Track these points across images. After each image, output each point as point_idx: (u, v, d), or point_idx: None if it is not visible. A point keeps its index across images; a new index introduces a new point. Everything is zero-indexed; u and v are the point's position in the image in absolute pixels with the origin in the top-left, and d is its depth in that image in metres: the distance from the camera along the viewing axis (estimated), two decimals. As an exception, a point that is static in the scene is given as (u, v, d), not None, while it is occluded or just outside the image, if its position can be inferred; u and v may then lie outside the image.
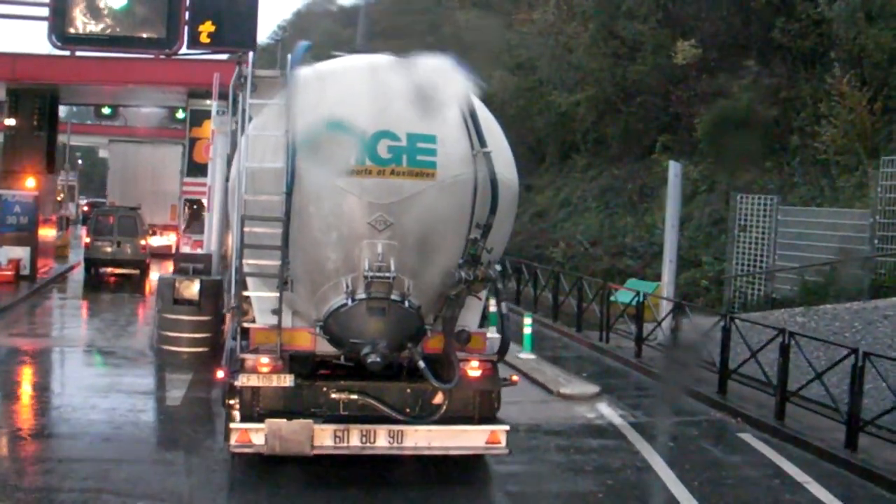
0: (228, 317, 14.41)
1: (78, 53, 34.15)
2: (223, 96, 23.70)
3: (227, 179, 17.33)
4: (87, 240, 39.61)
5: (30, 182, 34.05)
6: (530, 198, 47.39)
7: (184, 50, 35.14)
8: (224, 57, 35.41)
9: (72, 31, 32.90)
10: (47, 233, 37.87)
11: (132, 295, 34.85)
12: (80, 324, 29.32)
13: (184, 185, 35.75)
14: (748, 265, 27.91)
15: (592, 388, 20.30)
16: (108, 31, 33.22)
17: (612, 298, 26.76)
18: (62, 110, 44.75)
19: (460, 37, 59.04)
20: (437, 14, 66.06)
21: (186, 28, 33.04)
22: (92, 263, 39.54)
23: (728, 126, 33.74)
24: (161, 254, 41.40)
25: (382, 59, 12.93)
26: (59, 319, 29.57)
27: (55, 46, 33.40)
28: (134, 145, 48.97)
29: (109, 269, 39.90)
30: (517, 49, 49.47)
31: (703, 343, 20.90)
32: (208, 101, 26.19)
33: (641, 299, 24.39)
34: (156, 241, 42.75)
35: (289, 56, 12.65)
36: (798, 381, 17.85)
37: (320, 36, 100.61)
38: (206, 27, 33.18)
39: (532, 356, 23.21)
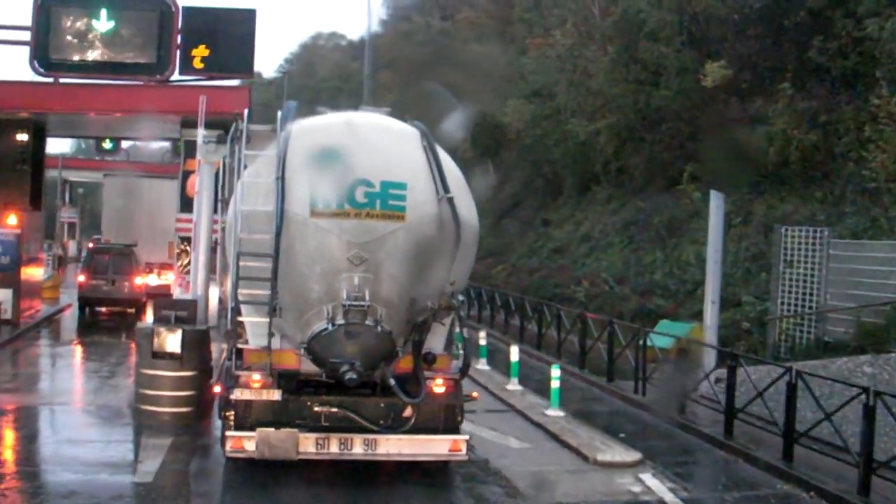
0: (216, 373, 16.49)
1: (62, 80, 31.25)
2: (212, 125, 22.44)
3: (214, 212, 19.85)
4: (82, 278, 37.36)
5: (11, 219, 31.17)
6: (548, 233, 44.83)
7: (176, 77, 32.25)
8: (221, 83, 32.60)
9: (55, 56, 30.06)
10: (33, 273, 35.28)
11: (123, 340, 31.79)
12: (57, 375, 26.34)
13: (177, 222, 32.63)
14: (795, 305, 24.97)
15: (634, 455, 17.37)
16: (95, 56, 30.34)
17: (646, 343, 23.60)
18: (67, 145, 41.98)
19: (472, 65, 57.16)
20: (444, 46, 63.91)
21: (178, 52, 30.22)
22: (86, 303, 37.35)
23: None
24: (159, 293, 38.33)
25: (359, 116, 15.18)
26: (34, 369, 26.58)
27: (37, 73, 30.59)
28: (131, 179, 45.99)
29: (105, 309, 37.73)
30: (533, 75, 46.64)
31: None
32: (204, 132, 25.76)
33: (681, 345, 21.29)
34: (153, 280, 39.96)
35: (279, 113, 14.58)
36: (884, 449, 14.79)
37: (327, 69, 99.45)
38: (200, 51, 30.42)
39: (561, 413, 20.39)
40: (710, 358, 21.74)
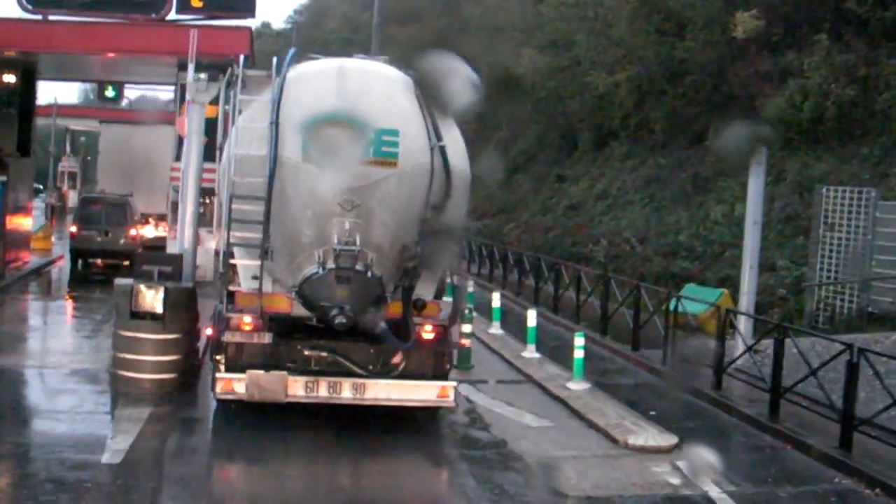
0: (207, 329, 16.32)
1: (52, 18, 29.07)
2: (210, 69, 20.49)
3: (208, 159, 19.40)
4: (74, 229, 35.05)
5: (-4, 165, 28.95)
6: (563, 189, 42.58)
7: (175, 17, 30.17)
8: (221, 23, 30.47)
9: (43, -9, 27.80)
10: (21, 222, 33.23)
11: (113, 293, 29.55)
12: (36, 331, 24.25)
13: (172, 171, 30.44)
14: (836, 271, 22.80)
15: (669, 439, 15.31)
16: (86, -9, 28.08)
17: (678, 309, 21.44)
18: (75, 95, 39.91)
19: (484, 17, 55.19)
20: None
21: (176, -11, 27.92)
22: (78, 254, 35.01)
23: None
24: (157, 246, 36.18)
25: (353, 62, 15.03)
26: (12, 325, 24.32)
27: (25, 10, 28.57)
28: (127, 127, 43.54)
29: (99, 261, 35.58)
30: (551, 24, 44.20)
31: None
32: (202, 75, 23.26)
33: (721, 315, 19.17)
34: (150, 231, 37.72)
35: (274, 59, 14.55)
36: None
37: (337, 20, 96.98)
38: (199, -12, 28.05)
39: (586, 385, 18.33)
40: (747, 327, 19.51)
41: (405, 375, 14.67)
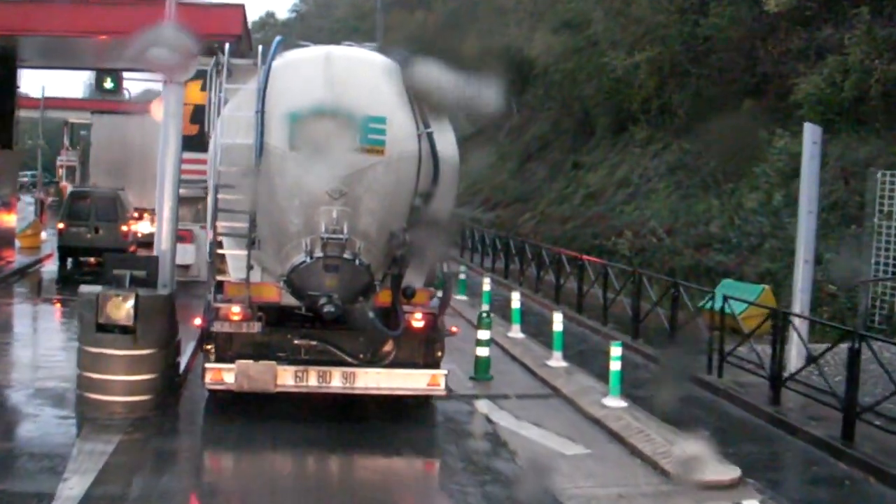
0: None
1: (31, -3, 26.62)
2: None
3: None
4: (61, 225, 32.63)
5: (-27, 158, 26.56)
6: (580, 176, 39.99)
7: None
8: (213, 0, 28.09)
9: (19, -34, 25.37)
10: (4, 219, 31.31)
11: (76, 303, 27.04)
12: (5, 341, 21.61)
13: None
14: (894, 265, 20.25)
15: (730, 471, 12.82)
16: (65, -35, 25.57)
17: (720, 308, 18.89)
18: (80, 89, 37.60)
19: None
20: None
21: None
22: (66, 252, 32.75)
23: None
24: (150, 242, 33.65)
25: (339, 49, 14.73)
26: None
27: (0, -11, 25.92)
28: (120, 118, 40.75)
29: (90, 259, 32.71)
30: (564, 3, 41.70)
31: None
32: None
33: (778, 318, 16.69)
34: (144, 227, 35.13)
35: (259, 47, 14.35)
36: None
37: (343, 8, 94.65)
38: (190, -40, 25.51)
39: (622, 403, 15.76)
40: (802, 330, 17.03)
41: (395, 364, 14.61)
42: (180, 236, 24.42)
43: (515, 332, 21.83)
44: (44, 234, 38.61)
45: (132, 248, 32.47)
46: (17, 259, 32.49)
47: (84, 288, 15.00)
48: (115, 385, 14.38)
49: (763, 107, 30.31)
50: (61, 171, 66.11)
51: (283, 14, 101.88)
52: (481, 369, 18.13)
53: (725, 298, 18.64)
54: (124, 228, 32.48)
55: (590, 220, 34.59)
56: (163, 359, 14.77)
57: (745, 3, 31.84)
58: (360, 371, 14.46)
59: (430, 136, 13.90)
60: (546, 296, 27.94)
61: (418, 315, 14.56)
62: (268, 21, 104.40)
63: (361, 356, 14.55)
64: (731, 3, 32.78)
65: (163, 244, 15.80)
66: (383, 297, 14.27)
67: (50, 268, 33.48)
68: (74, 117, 64.64)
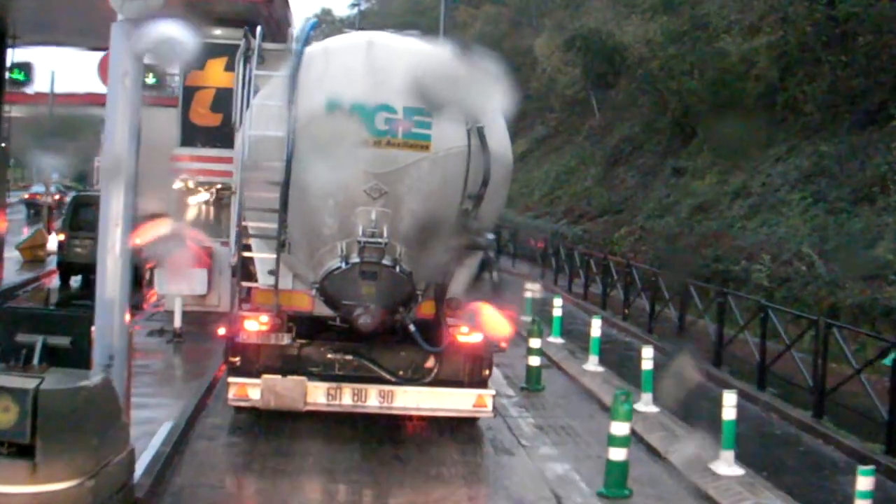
0: None
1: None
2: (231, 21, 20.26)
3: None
4: (62, 238, 28.70)
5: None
6: (682, 185, 33.52)
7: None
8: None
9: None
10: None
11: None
12: None
13: (174, 160, 23.76)
14: None
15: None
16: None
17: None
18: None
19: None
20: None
21: None
22: (68, 269, 28.83)
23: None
24: (166, 256, 28.31)
25: (382, 36, 13.72)
26: None
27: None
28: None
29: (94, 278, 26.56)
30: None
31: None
32: (218, 31, 21.72)
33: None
34: (159, 238, 29.24)
35: (291, 30, 15.72)
36: None
37: (403, 4, 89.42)
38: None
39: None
40: None
41: (438, 382, 13.69)
42: (196, 257, 20.55)
43: (647, 404, 16.26)
44: (51, 245, 32.92)
45: (148, 265, 26.31)
46: (7, 276, 27.92)
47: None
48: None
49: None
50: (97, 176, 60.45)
51: (341, 10, 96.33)
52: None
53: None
54: (138, 241, 25.99)
55: (705, 239, 28.39)
56: (88, 497, 8.41)
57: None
58: (398, 389, 13.61)
59: (480, 130, 12.80)
60: (664, 337, 21.79)
61: (465, 329, 13.57)
62: (325, 19, 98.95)
63: (401, 373, 13.73)
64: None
65: (107, 287, 9.26)
66: (426, 308, 13.50)
67: (50, 287, 29.39)
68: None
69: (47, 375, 8.71)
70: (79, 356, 9.47)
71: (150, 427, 13.07)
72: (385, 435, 14.20)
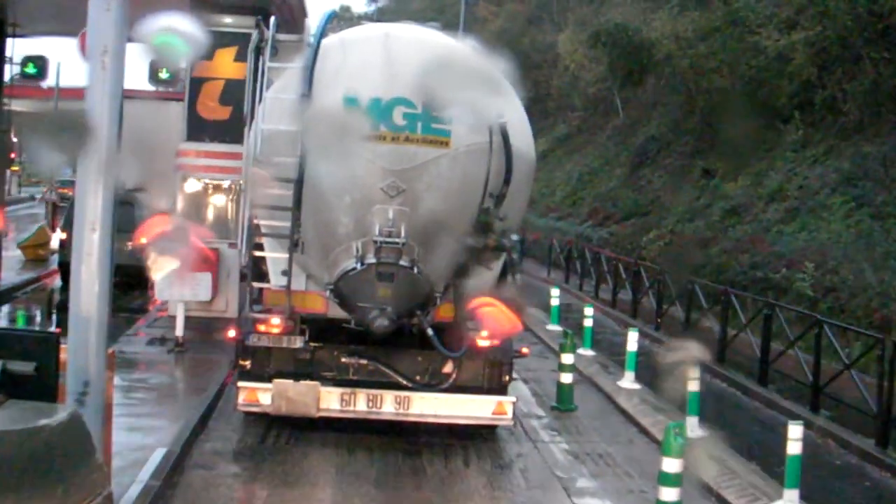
0: None
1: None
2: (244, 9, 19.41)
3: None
4: (63, 236, 27.12)
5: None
6: (712, 187, 32.51)
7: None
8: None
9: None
10: (-11, 229, 26.37)
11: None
12: None
13: (180, 156, 22.61)
14: None
15: None
16: None
17: None
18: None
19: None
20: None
21: None
22: (69, 269, 24.92)
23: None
24: (175, 258, 26.94)
25: (401, 28, 13.60)
26: None
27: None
28: (136, 103, 33.36)
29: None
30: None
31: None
32: (228, 19, 20.78)
33: None
34: (167, 238, 28.02)
35: (306, 21, 15.27)
36: None
37: (420, 0, 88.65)
38: None
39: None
40: None
41: (457, 388, 13.38)
42: (202, 258, 19.22)
43: (695, 428, 14.86)
44: (54, 243, 31.70)
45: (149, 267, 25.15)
46: (6, 276, 26.61)
47: None
48: None
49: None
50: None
51: (359, 7, 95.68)
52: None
53: None
54: (144, 241, 24.92)
55: (741, 244, 26.69)
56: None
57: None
58: (415, 395, 13.33)
59: (502, 126, 12.44)
60: (703, 349, 19.96)
61: (485, 333, 12.84)
62: (343, 16, 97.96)
63: (419, 378, 13.43)
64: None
65: (82, 302, 7.85)
66: (445, 311, 13.18)
67: (50, 288, 28.30)
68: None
69: (2, 411, 7.26)
70: (44, 385, 7.90)
71: (142, 454, 11.72)
72: (406, 466, 13.18)
